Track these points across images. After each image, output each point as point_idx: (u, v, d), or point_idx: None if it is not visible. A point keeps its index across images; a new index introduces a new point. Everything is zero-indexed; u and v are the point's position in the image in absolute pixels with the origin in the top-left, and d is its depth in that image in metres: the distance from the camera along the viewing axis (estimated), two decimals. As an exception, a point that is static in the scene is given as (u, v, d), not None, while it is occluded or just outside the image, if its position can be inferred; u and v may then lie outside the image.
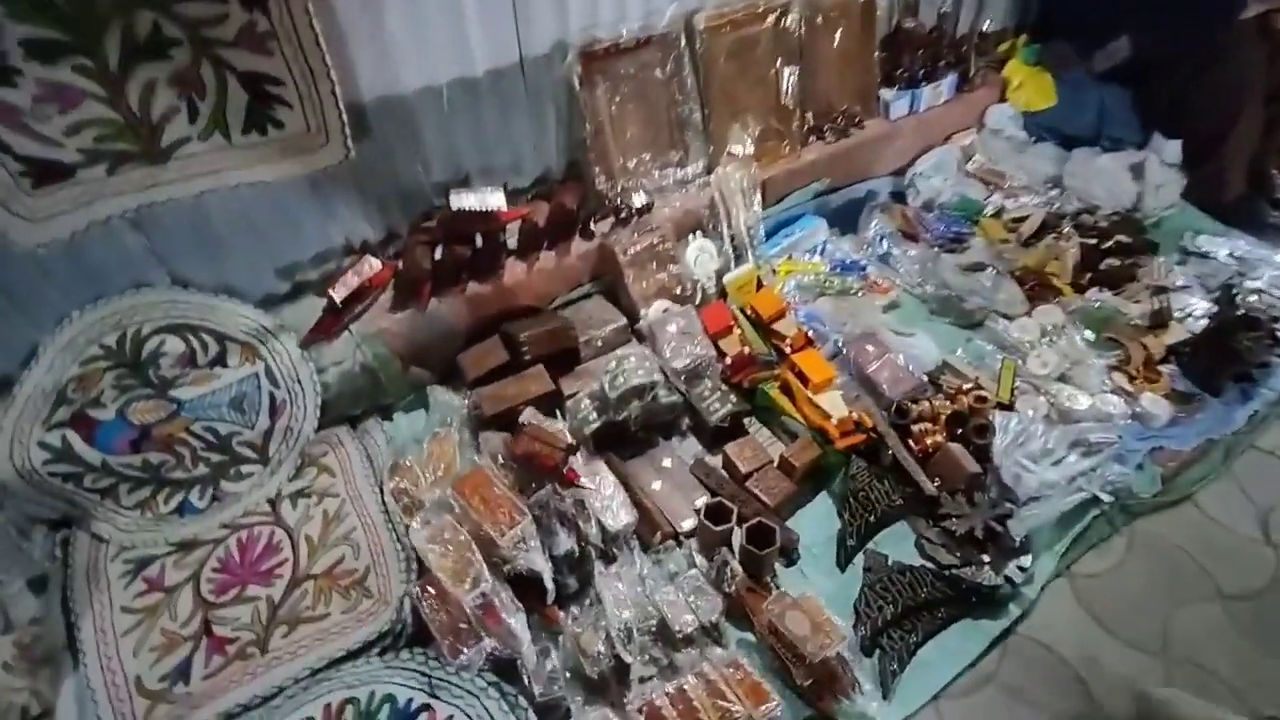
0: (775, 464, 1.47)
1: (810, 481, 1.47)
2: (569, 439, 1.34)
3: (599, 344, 1.66)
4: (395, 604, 1.27)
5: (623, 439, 1.54)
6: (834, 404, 1.46)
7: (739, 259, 1.82)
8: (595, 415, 1.52)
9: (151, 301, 1.42)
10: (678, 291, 1.74)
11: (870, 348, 1.62)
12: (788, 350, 1.60)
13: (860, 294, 1.80)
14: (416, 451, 1.49)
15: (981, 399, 1.51)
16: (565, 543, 1.27)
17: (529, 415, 1.46)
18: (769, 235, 1.92)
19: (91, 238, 1.27)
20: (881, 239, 1.94)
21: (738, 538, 1.32)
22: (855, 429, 1.44)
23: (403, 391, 1.64)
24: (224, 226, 1.42)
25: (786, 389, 1.54)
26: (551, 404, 1.58)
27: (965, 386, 1.55)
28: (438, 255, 1.59)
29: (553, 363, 1.63)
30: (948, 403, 1.52)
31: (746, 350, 1.58)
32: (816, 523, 1.42)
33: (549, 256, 1.69)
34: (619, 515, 1.35)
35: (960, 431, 1.48)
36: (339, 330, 1.52)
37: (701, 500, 1.42)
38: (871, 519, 1.39)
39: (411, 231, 1.61)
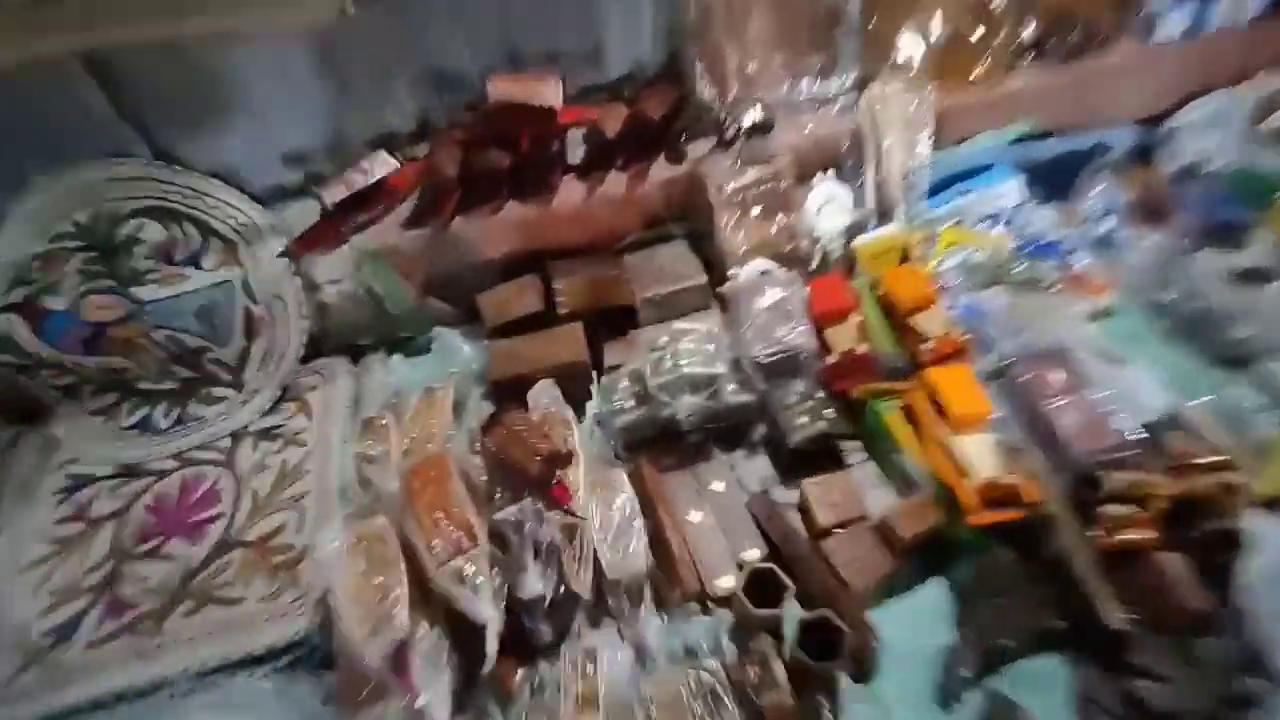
0: (872, 524, 1.00)
1: (919, 558, 0.99)
2: (567, 443, 0.95)
3: (665, 305, 1.24)
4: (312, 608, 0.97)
5: (667, 440, 1.13)
6: (980, 453, 0.96)
7: (883, 217, 1.30)
8: (633, 404, 1.12)
9: (132, 176, 1.16)
10: (786, 250, 1.27)
11: (1055, 374, 1.07)
12: (927, 358, 1.10)
13: (1056, 289, 1.23)
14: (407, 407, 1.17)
15: (1230, 486, 0.95)
16: (535, 585, 0.89)
17: (540, 391, 1.09)
18: (935, 189, 1.38)
19: (37, 85, 1.03)
20: (1106, 213, 1.33)
21: (789, 627, 0.89)
22: (1008, 501, 0.93)
23: (418, 326, 1.31)
24: (211, 91, 1.13)
25: (912, 415, 1.05)
26: (583, 377, 1.20)
27: (1203, 460, 0.98)
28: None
29: (602, 323, 1.24)
30: (1171, 480, 0.96)
31: (864, 348, 1.10)
32: (916, 623, 0.95)
33: (619, 180, 1.27)
34: (627, 558, 0.95)
35: (1186, 533, 0.93)
36: (335, 242, 1.21)
37: (751, 555, 0.99)
38: (1007, 642, 0.90)
39: (446, 127, 1.25)
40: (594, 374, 1.21)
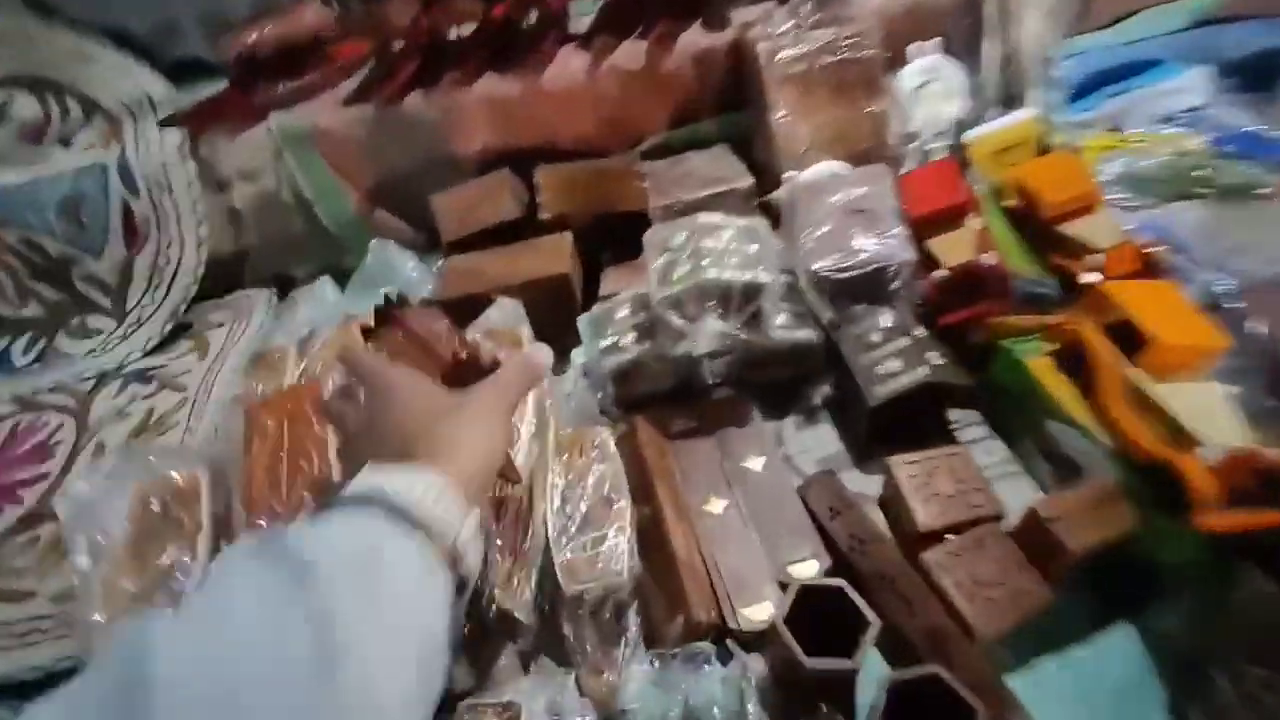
0: (1009, 528, 0.60)
1: (1094, 585, 0.58)
2: (492, 347, 0.58)
3: (686, 213, 0.88)
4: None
5: (682, 394, 0.76)
6: (1212, 413, 0.56)
7: (1007, 105, 0.92)
8: (633, 338, 0.75)
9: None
10: (867, 148, 0.90)
11: (1309, 307, 0.67)
12: (1092, 278, 0.70)
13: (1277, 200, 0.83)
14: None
15: None
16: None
17: (494, 311, 0.73)
18: (1081, 90, 1.00)
19: None
20: (1341, 108, 0.93)
21: (868, 690, 0.50)
22: (1264, 494, 0.53)
23: (363, 248, 0.98)
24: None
25: (1072, 358, 0.65)
26: (567, 304, 0.84)
27: None
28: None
29: (602, 239, 0.89)
30: None
31: (990, 259, 0.71)
32: (1093, 698, 0.54)
33: (637, 50, 0.92)
34: (599, 560, 0.58)
35: None
36: (248, 117, 0.90)
37: (805, 569, 0.61)
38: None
39: (406, -25, 0.94)
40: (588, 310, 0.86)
